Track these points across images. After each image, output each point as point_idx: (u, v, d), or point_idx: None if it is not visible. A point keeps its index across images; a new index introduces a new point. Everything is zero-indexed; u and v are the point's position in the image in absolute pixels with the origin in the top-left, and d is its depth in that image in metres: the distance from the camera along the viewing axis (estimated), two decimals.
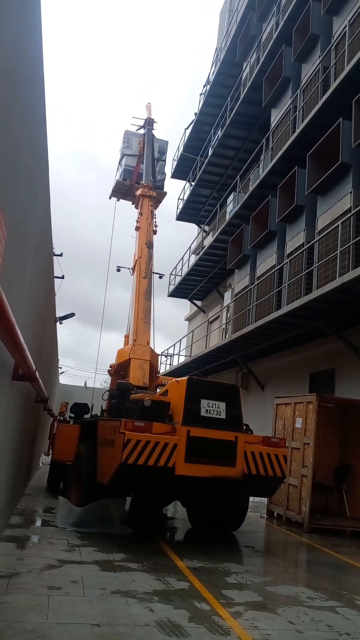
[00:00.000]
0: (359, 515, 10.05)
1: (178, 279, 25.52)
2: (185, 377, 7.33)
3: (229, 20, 25.73)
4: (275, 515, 10.61)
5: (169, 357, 26.10)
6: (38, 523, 7.75)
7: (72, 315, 16.21)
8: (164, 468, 6.52)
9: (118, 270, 16.57)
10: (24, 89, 4.10)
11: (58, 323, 15.47)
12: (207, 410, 7.00)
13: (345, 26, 11.89)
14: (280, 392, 14.83)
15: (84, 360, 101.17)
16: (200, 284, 24.42)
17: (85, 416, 12.16)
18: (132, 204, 15.07)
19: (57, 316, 15.20)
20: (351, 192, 10.57)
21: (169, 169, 20.82)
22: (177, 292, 26.50)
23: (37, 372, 5.84)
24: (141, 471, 6.49)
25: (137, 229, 13.71)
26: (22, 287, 5.37)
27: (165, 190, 16.86)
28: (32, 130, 4.76)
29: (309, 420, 9.72)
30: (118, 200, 16.70)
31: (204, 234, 26.31)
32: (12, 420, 6.34)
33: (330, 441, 11.04)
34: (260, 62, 17.30)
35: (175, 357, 25.27)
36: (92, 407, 12.69)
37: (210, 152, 22.21)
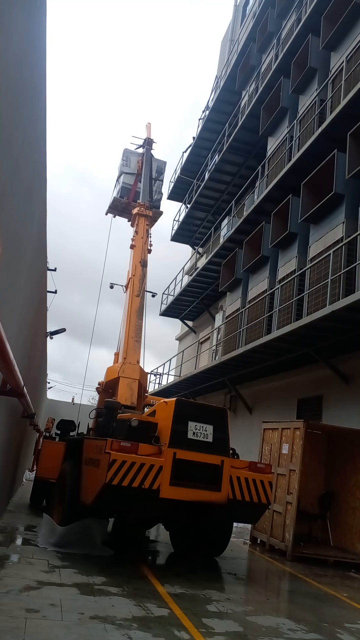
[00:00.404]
0: (343, 544, 9.98)
1: (170, 298, 25.63)
2: (174, 399, 7.32)
3: (230, 49, 26.41)
4: (258, 542, 10.50)
5: (158, 375, 26.04)
6: (19, 541, 7.62)
7: (62, 330, 16.19)
8: (148, 490, 6.46)
9: (111, 287, 16.63)
10: (26, 107, 4.18)
11: (48, 338, 15.43)
12: (194, 433, 6.98)
13: (343, 62, 12.27)
14: (267, 416, 14.82)
15: (72, 375, 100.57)
16: (192, 304, 24.53)
17: (72, 433, 12.05)
18: (128, 221, 15.19)
19: (47, 331, 15.17)
20: (343, 222, 10.77)
21: (165, 189, 21.12)
22: (169, 312, 26.58)
23: (25, 388, 5.81)
24: (125, 493, 6.43)
25: (132, 247, 13.80)
26: (14, 302, 5.38)
27: (161, 209, 17.09)
28: (32, 146, 4.83)
29: (296, 447, 9.70)
30: (114, 216, 16.84)
31: (198, 255, 26.54)
32: None
33: (316, 468, 11.02)
34: (259, 91, 17.73)
35: (165, 376, 25.23)
36: (78, 424, 12.59)
37: (206, 176, 22.56)
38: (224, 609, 5.53)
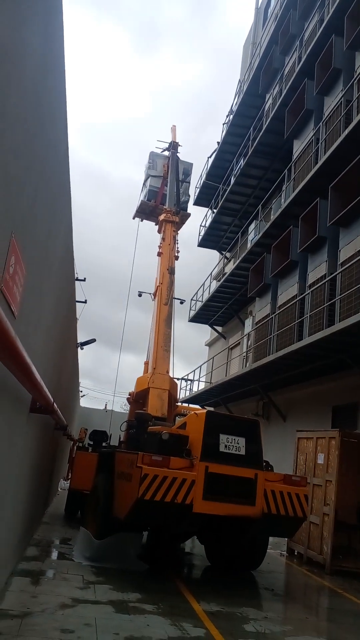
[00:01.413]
0: None
1: (199, 304, 25.55)
2: (204, 411, 7.23)
3: (252, 53, 26.29)
4: (295, 554, 10.28)
5: (189, 382, 25.97)
6: (54, 556, 7.65)
7: (93, 341, 16.35)
8: (181, 505, 6.39)
9: (139, 295, 16.69)
10: (48, 124, 4.20)
11: (79, 349, 15.58)
12: (226, 446, 6.88)
13: None
14: (302, 424, 14.54)
15: (101, 381, 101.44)
16: (221, 310, 24.39)
17: (104, 444, 12.09)
18: (155, 224, 15.17)
19: (78, 342, 15.32)
20: None
21: (192, 193, 21.09)
22: (198, 318, 26.50)
23: (54, 404, 5.84)
24: (158, 507, 6.38)
25: (159, 254, 13.81)
26: (40, 321, 5.42)
27: (188, 212, 17.06)
28: (53, 167, 4.86)
29: (331, 457, 9.46)
30: (141, 220, 16.90)
31: (225, 260, 26.40)
32: (31, 450, 6.32)
33: (353, 478, 10.69)
34: (283, 94, 17.54)
35: (196, 383, 25.13)
36: (110, 433, 12.61)
37: (232, 181, 22.44)
38: (262, 628, 5.39)
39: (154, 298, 13.33)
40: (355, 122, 11.39)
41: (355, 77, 12.91)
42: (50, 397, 5.06)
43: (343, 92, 13.38)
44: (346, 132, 11.78)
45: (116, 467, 7.58)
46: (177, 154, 16.43)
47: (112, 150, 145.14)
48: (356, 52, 13.24)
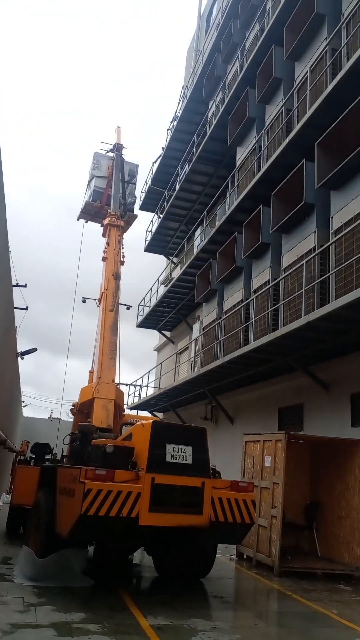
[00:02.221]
0: (330, 554, 9.86)
1: (147, 309, 25.42)
2: (150, 421, 7.11)
3: (196, 59, 26.54)
4: (245, 558, 10.30)
5: (137, 387, 25.74)
6: None
7: (34, 350, 15.81)
8: (126, 519, 6.22)
9: (84, 301, 16.31)
10: None
11: (20, 358, 15.03)
12: (172, 456, 6.77)
13: (307, 71, 12.35)
14: (249, 426, 14.69)
15: (44, 388, 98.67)
16: (168, 315, 24.36)
17: (47, 457, 11.70)
18: (101, 226, 14.86)
19: (18, 351, 14.78)
20: (315, 232, 10.76)
21: (138, 199, 20.83)
22: (146, 323, 26.35)
23: None
24: (102, 522, 6.18)
25: (103, 259, 13.52)
26: None
27: (135, 213, 16.86)
28: None
29: (278, 459, 9.57)
30: (86, 222, 16.51)
31: (172, 265, 26.43)
32: None
33: (301, 478, 10.90)
34: (226, 102, 17.78)
35: (144, 388, 24.93)
36: (55, 445, 12.21)
37: (177, 187, 22.50)
38: None
39: (99, 304, 13.05)
40: (295, 131, 11.67)
41: (295, 86, 13.24)
42: None
43: (284, 101, 13.70)
44: (287, 140, 12.05)
45: (58, 482, 7.30)
46: (122, 156, 16.23)
47: (50, 148, 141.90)
48: (296, 62, 13.60)
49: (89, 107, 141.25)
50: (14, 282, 15.20)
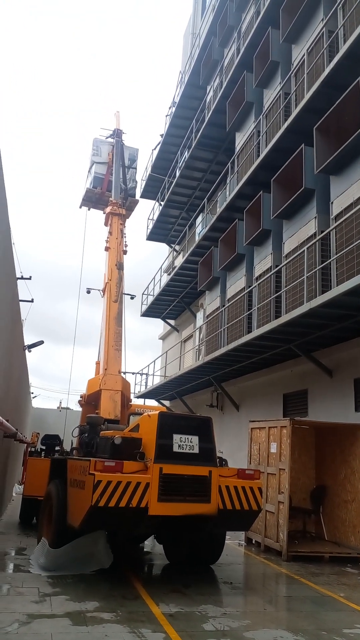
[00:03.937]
0: (337, 538, 10.01)
1: (150, 298, 25.45)
2: (157, 412, 7.20)
3: (192, 43, 26.18)
4: (253, 543, 10.48)
5: (144, 375, 25.89)
6: (9, 569, 7.44)
7: (41, 343, 15.94)
8: (136, 509, 6.35)
9: (88, 292, 16.36)
10: None
11: (27, 351, 15.15)
12: (179, 446, 6.87)
13: (304, 54, 12.18)
14: (255, 412, 14.82)
15: (51, 378, 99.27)
16: (172, 303, 24.39)
17: (57, 448, 11.86)
18: (104, 213, 14.82)
19: (25, 344, 14.89)
20: (315, 217, 10.72)
21: (138, 185, 20.73)
22: (150, 312, 26.41)
23: None
24: (113, 513, 6.31)
25: (106, 249, 13.51)
26: None
27: (137, 198, 16.80)
28: None
29: (284, 445, 9.68)
30: (89, 209, 16.50)
31: (175, 253, 26.38)
32: None
33: (306, 463, 11.03)
34: (224, 86, 17.58)
35: (150, 377, 25.08)
36: (64, 435, 12.36)
37: (177, 174, 22.37)
38: (221, 626, 5.44)
39: (103, 295, 13.09)
40: (294, 115, 11.56)
41: (292, 69, 13.09)
42: None
43: (282, 85, 13.55)
44: (285, 125, 11.95)
45: (68, 474, 7.43)
46: (122, 142, 16.12)
47: (50, 139, 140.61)
48: (292, 45, 13.42)
49: (89, 106, 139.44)
50: (18, 275, 15.27)
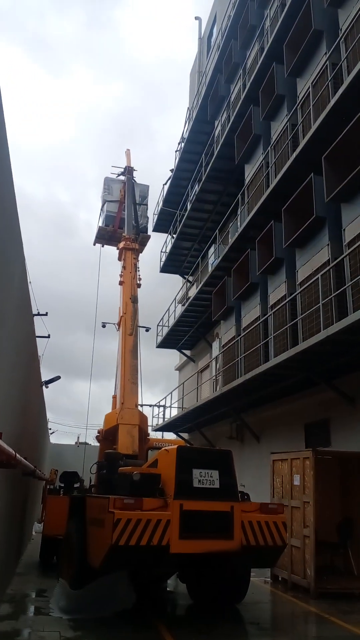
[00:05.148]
0: None
1: (165, 329, 25.51)
2: (175, 446, 7.11)
3: (199, 81, 27.00)
4: (280, 580, 10.11)
5: (161, 408, 25.69)
6: (30, 612, 7.28)
7: (58, 378, 15.99)
8: (157, 547, 6.20)
9: (103, 326, 16.48)
10: None
11: (44, 387, 15.19)
12: (199, 481, 6.75)
13: (309, 87, 12.46)
14: (276, 444, 14.52)
15: (62, 412, 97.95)
16: (187, 334, 24.40)
17: (75, 485, 11.73)
18: (117, 249, 15.05)
19: (42, 380, 14.94)
20: (328, 245, 10.74)
21: (150, 220, 21.10)
22: (165, 343, 26.43)
23: (17, 456, 5.61)
24: (133, 552, 6.17)
25: (120, 283, 13.66)
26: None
27: (148, 233, 17.07)
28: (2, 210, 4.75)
29: (307, 477, 9.44)
30: (102, 246, 16.80)
31: (188, 284, 26.55)
32: None
33: (332, 495, 10.70)
34: (231, 120, 18.00)
35: (168, 409, 24.88)
36: (82, 472, 12.21)
37: (189, 206, 22.73)
38: None
39: (118, 328, 13.16)
40: (302, 146, 11.75)
41: (298, 102, 13.37)
42: (11, 451, 4.85)
43: (288, 117, 13.82)
44: (294, 155, 12.12)
45: (87, 512, 7.32)
46: (133, 179, 16.51)
47: (40, 175, 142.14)
48: (297, 78, 13.75)
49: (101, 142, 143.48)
50: (34, 312, 15.48)
